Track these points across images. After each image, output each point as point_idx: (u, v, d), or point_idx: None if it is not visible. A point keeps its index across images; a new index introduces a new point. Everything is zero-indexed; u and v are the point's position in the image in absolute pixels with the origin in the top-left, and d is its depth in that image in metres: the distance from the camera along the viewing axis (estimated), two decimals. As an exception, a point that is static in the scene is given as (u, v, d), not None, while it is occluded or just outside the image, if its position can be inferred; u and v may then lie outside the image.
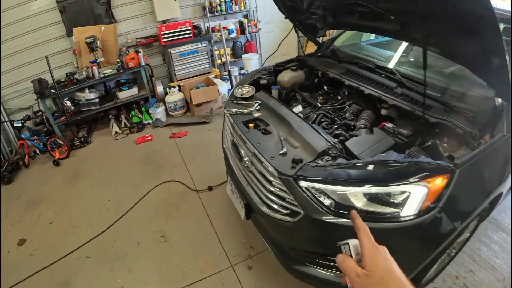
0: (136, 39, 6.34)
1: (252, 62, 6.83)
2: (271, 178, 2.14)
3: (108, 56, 6.04)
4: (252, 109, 2.72)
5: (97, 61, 5.77)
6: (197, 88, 5.96)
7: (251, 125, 2.54)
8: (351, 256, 0.72)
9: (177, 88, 6.06)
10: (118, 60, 5.93)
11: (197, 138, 5.35)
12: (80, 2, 5.88)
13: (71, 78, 5.68)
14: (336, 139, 2.38)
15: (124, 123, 6.01)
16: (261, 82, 3.34)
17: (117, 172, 4.75)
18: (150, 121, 5.96)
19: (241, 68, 6.95)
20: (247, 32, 6.91)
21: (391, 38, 2.70)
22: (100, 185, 4.53)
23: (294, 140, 2.29)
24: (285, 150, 2.15)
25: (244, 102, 2.89)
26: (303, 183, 1.96)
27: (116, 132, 5.86)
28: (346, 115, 2.91)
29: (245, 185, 2.56)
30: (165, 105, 6.12)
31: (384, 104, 2.68)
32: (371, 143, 2.17)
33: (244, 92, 3.04)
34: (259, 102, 2.80)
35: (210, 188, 4.03)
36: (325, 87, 3.36)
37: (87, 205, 4.16)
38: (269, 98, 2.91)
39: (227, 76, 6.45)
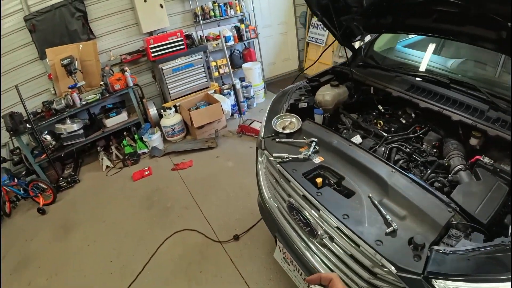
0: (121, 55, 5.53)
1: (254, 72, 6.11)
2: (379, 271, 1.45)
3: (90, 79, 5.23)
4: (309, 152, 2.01)
5: (77, 86, 4.93)
6: (197, 108, 5.21)
7: (318, 180, 1.84)
8: None
9: (173, 109, 5.29)
10: (102, 82, 5.11)
11: (205, 168, 4.60)
12: (52, 18, 5.05)
13: (49, 108, 4.84)
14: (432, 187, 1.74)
15: (116, 154, 5.20)
16: (300, 105, 2.63)
17: (116, 220, 3.96)
18: (146, 150, 5.17)
19: (242, 79, 6.24)
20: (245, 39, 6.20)
21: (487, 48, 2.04)
22: (97, 239, 3.74)
23: (395, 204, 1.60)
24: (394, 227, 1.46)
25: (292, 140, 2.18)
26: (440, 283, 1.28)
27: (107, 167, 5.05)
28: (424, 146, 2.26)
29: (314, 262, 1.87)
30: (161, 130, 5.35)
31: (476, 133, 2.06)
32: (482, 193, 1.60)
33: (286, 124, 2.33)
34: (315, 140, 2.10)
35: (236, 238, 3.30)
36: (380, 107, 2.68)
37: (84, 268, 3.37)
38: (327, 132, 2.21)
39: (228, 90, 5.73)
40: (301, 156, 1.99)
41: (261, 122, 5.36)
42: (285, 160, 2.00)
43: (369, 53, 3.20)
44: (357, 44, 3.20)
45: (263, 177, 2.44)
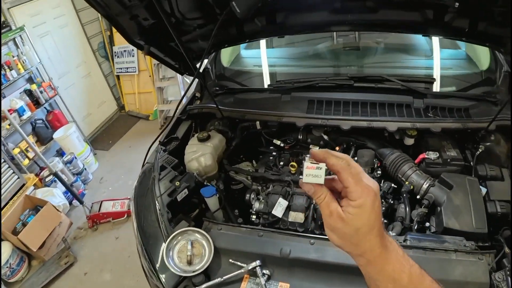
0: None
1: (71, 139, 4.67)
2: None
3: None
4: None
5: None
6: (24, 225, 3.67)
7: None
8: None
9: (-6, 241, 3.61)
10: None
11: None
12: None
13: None
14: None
15: None
16: (180, 197, 1.68)
17: None
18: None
19: (61, 152, 4.79)
20: (43, 101, 4.67)
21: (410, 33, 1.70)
22: None
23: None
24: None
25: (220, 278, 1.30)
26: None
27: None
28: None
29: None
30: (-4, 276, 3.63)
31: (411, 132, 1.78)
32: (465, 201, 1.50)
33: (189, 252, 1.40)
34: (259, 263, 1.28)
35: None
36: (277, 141, 2.01)
37: None
38: (260, 235, 1.41)
39: (52, 178, 4.27)
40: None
41: (112, 199, 4.26)
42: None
43: (218, 72, 2.49)
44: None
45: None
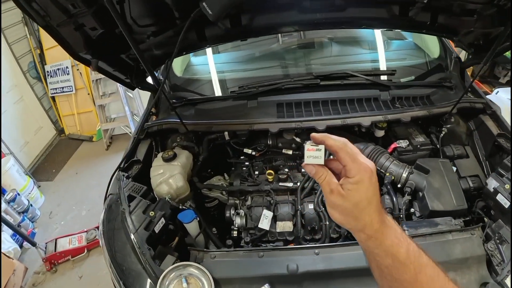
0: None
1: (10, 173, 4.24)
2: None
3: None
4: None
5: None
6: (-32, 278, 3.26)
7: None
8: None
9: None
10: None
11: None
12: None
13: None
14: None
15: None
16: (158, 228, 1.52)
17: None
18: None
19: (1, 191, 4.33)
20: (-26, 135, 4.21)
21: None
22: None
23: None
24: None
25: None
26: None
27: None
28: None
29: None
30: None
31: (382, 124, 1.81)
32: (443, 183, 1.59)
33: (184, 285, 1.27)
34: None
35: None
36: (248, 151, 1.93)
37: None
38: (260, 256, 1.32)
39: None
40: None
41: (67, 235, 3.80)
42: None
43: (172, 83, 2.34)
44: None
45: None
